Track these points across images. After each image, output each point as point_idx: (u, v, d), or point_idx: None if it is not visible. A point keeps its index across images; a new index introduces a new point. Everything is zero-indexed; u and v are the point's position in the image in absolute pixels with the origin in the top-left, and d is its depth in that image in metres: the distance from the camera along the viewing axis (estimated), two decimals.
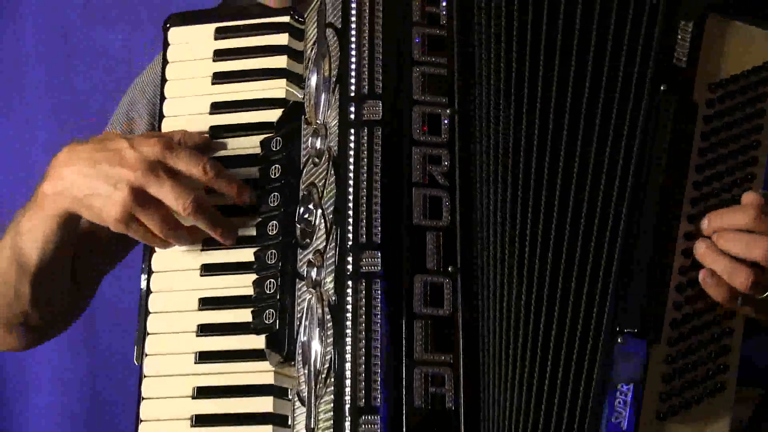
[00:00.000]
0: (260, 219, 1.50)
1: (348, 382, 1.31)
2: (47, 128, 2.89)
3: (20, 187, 2.82)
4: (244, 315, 1.48)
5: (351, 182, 1.37)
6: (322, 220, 1.42)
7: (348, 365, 1.31)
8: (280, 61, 1.59)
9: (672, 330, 1.39)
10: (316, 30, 1.53)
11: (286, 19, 1.60)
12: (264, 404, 1.46)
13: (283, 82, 1.58)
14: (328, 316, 1.35)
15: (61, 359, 2.79)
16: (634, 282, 1.38)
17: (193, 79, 1.61)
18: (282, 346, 1.44)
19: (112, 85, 2.70)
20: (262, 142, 1.54)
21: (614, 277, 1.39)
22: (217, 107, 1.59)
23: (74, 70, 2.87)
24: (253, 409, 1.46)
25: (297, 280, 1.46)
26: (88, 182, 1.45)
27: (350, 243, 1.35)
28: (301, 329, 1.41)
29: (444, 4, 1.44)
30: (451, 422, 1.31)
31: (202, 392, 1.48)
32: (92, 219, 1.48)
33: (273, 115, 1.56)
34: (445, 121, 1.40)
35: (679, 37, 1.46)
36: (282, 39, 1.60)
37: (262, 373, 1.47)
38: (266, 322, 1.46)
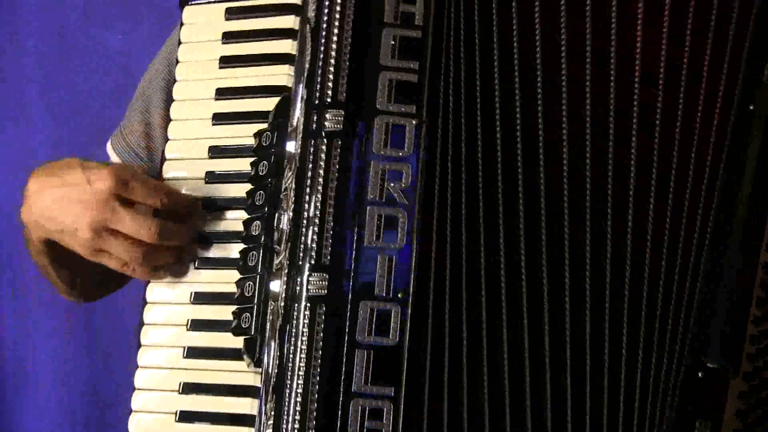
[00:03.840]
0: (247, 218, 1.47)
1: (285, 410, 1.28)
2: (47, 128, 2.92)
3: (20, 187, 2.90)
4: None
5: (307, 198, 1.32)
6: (284, 232, 1.37)
7: (286, 394, 1.28)
8: (285, 46, 1.53)
9: (748, 364, 1.31)
10: None
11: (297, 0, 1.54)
12: (242, 406, 1.45)
13: (286, 68, 1.52)
14: (277, 337, 1.32)
15: (61, 358, 2.85)
16: (718, 312, 1.32)
17: (201, 62, 1.58)
18: (254, 351, 1.42)
19: (112, 85, 2.73)
20: (255, 134, 1.50)
21: (697, 305, 1.32)
22: (221, 93, 1.55)
23: (74, 70, 2.88)
24: (232, 410, 1.45)
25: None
26: (54, 219, 1.46)
27: (300, 262, 1.31)
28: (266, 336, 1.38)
29: (418, 4, 1.35)
30: None
31: (188, 388, 1.48)
32: (70, 248, 1.49)
33: (274, 103, 1.51)
34: (410, 133, 1.32)
35: None
36: (288, 22, 1.53)
37: (246, 373, 1.46)
38: (243, 326, 1.44)
